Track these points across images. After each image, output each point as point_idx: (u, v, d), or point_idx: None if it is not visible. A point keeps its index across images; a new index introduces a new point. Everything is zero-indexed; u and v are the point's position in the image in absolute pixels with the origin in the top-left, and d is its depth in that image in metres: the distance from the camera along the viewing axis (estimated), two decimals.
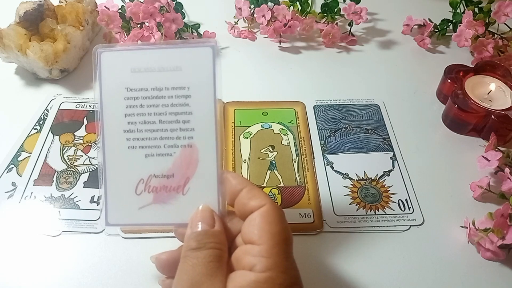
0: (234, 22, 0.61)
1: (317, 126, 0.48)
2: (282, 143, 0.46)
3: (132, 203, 0.30)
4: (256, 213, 0.27)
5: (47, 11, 0.53)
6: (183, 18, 0.56)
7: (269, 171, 0.43)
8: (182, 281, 0.26)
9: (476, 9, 0.57)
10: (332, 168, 0.44)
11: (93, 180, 0.42)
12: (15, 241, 0.37)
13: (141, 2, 0.53)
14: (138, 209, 0.30)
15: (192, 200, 0.30)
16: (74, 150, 0.45)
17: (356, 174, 0.43)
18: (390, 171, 0.44)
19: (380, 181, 0.43)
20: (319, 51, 0.59)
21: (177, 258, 0.28)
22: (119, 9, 0.56)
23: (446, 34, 0.61)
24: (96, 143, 0.45)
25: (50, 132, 0.46)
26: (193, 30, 0.59)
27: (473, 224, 0.38)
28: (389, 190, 0.42)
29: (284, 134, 0.47)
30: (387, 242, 0.38)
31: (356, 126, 0.48)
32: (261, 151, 0.45)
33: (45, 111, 0.48)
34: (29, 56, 0.48)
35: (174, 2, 0.56)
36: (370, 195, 0.42)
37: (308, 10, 0.60)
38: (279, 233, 0.27)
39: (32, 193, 0.41)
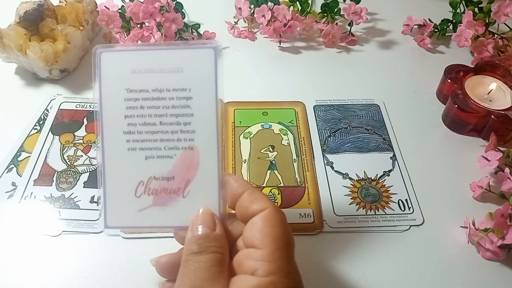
0: (234, 22, 0.61)
1: (317, 126, 0.48)
2: (282, 143, 0.46)
3: (131, 205, 0.30)
4: (258, 216, 0.27)
5: (47, 11, 0.53)
6: (183, 18, 0.56)
7: (269, 171, 0.43)
8: (183, 285, 0.26)
9: (476, 9, 0.57)
10: (332, 168, 0.44)
11: (93, 180, 0.42)
12: (15, 241, 0.37)
13: (141, 2, 0.53)
14: (137, 212, 0.30)
15: (193, 203, 0.29)
16: (74, 150, 0.45)
17: (356, 174, 0.43)
18: (390, 171, 0.44)
19: (380, 181, 0.43)
20: (319, 51, 0.59)
21: (178, 261, 0.28)
22: (119, 9, 0.56)
23: (446, 34, 0.61)
24: (96, 143, 0.45)
25: (50, 132, 0.46)
26: (193, 30, 0.59)
27: (473, 224, 0.38)
28: (389, 190, 0.42)
29: (284, 134, 0.47)
30: (387, 242, 0.38)
31: (356, 126, 0.48)
32: (261, 151, 0.45)
33: (45, 111, 0.48)
34: (29, 56, 0.48)
35: (174, 2, 0.56)
36: (370, 195, 0.42)
37: (308, 10, 0.60)
38: (281, 237, 0.26)
39: (32, 193, 0.41)
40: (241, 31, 0.60)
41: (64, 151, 0.44)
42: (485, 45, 0.54)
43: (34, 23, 0.52)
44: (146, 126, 0.30)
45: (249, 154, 0.45)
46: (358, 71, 0.56)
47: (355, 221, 0.40)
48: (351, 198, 0.41)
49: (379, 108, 0.51)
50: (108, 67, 0.30)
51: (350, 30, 0.60)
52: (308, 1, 0.61)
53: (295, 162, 0.44)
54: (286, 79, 0.54)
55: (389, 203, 0.41)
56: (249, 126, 0.48)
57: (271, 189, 0.42)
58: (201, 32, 0.59)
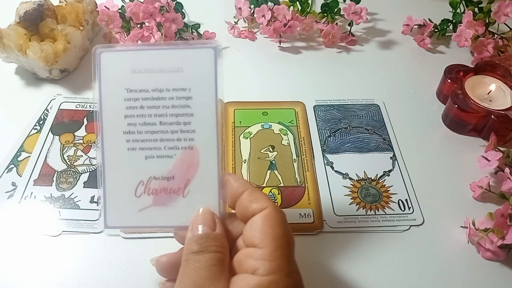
0: (234, 22, 0.61)
1: (317, 126, 0.48)
2: (282, 143, 0.46)
3: (131, 205, 0.30)
4: (258, 216, 0.27)
5: (47, 11, 0.53)
6: (183, 18, 0.56)
7: (269, 171, 0.43)
8: (184, 285, 0.26)
9: (476, 9, 0.57)
10: (332, 168, 0.44)
11: (93, 180, 0.42)
12: (15, 241, 0.37)
13: (141, 2, 0.53)
14: (137, 212, 0.30)
15: (193, 203, 0.29)
16: (74, 150, 0.45)
17: (356, 174, 0.43)
18: (390, 171, 0.44)
19: (380, 181, 0.43)
20: (319, 51, 0.59)
21: (178, 261, 0.28)
22: (119, 9, 0.56)
23: (446, 34, 0.61)
24: (96, 143, 0.45)
25: (50, 132, 0.46)
26: (193, 30, 0.59)
27: (473, 224, 0.38)
28: (389, 190, 0.42)
29: (284, 134, 0.47)
30: (387, 242, 0.38)
31: (356, 126, 0.48)
32: (261, 151, 0.45)
33: (45, 111, 0.48)
34: (29, 56, 0.48)
35: (174, 2, 0.56)
36: (370, 195, 0.42)
37: (308, 10, 0.60)
38: (282, 236, 0.26)
39: (32, 193, 0.41)
40: (241, 31, 0.60)
41: (64, 151, 0.44)
42: (485, 45, 0.54)
43: (34, 23, 0.52)
44: (146, 126, 0.30)
45: (249, 154, 0.45)
46: (358, 71, 0.56)
47: (355, 221, 0.40)
48: (351, 198, 0.41)
49: (379, 108, 0.51)
50: (108, 67, 0.30)
51: (350, 30, 0.60)
52: (308, 1, 0.61)
53: (295, 162, 0.44)
54: (286, 79, 0.54)
55: (389, 203, 0.41)
56: (249, 126, 0.48)
57: (271, 189, 0.42)
58: (201, 32, 0.59)
